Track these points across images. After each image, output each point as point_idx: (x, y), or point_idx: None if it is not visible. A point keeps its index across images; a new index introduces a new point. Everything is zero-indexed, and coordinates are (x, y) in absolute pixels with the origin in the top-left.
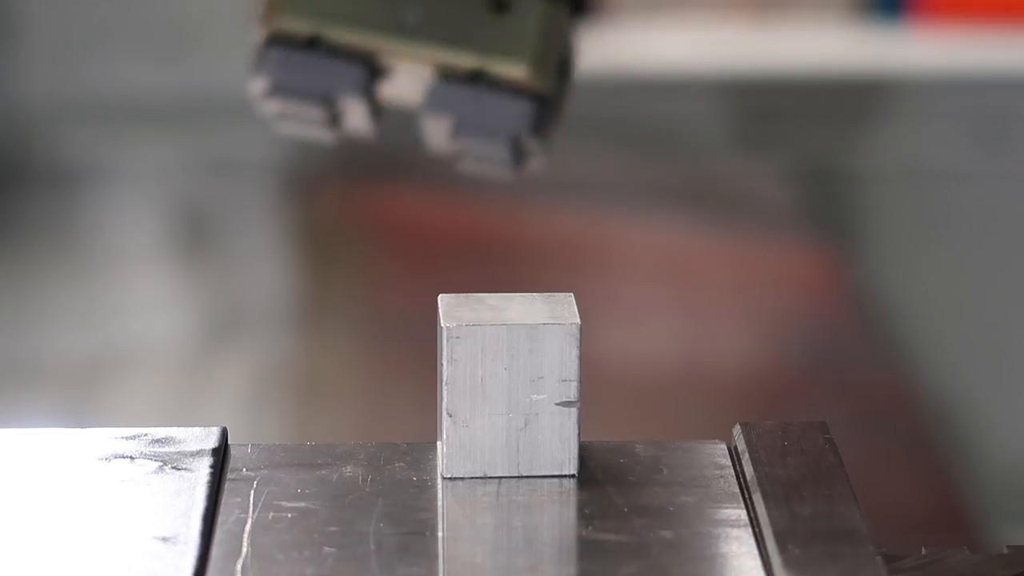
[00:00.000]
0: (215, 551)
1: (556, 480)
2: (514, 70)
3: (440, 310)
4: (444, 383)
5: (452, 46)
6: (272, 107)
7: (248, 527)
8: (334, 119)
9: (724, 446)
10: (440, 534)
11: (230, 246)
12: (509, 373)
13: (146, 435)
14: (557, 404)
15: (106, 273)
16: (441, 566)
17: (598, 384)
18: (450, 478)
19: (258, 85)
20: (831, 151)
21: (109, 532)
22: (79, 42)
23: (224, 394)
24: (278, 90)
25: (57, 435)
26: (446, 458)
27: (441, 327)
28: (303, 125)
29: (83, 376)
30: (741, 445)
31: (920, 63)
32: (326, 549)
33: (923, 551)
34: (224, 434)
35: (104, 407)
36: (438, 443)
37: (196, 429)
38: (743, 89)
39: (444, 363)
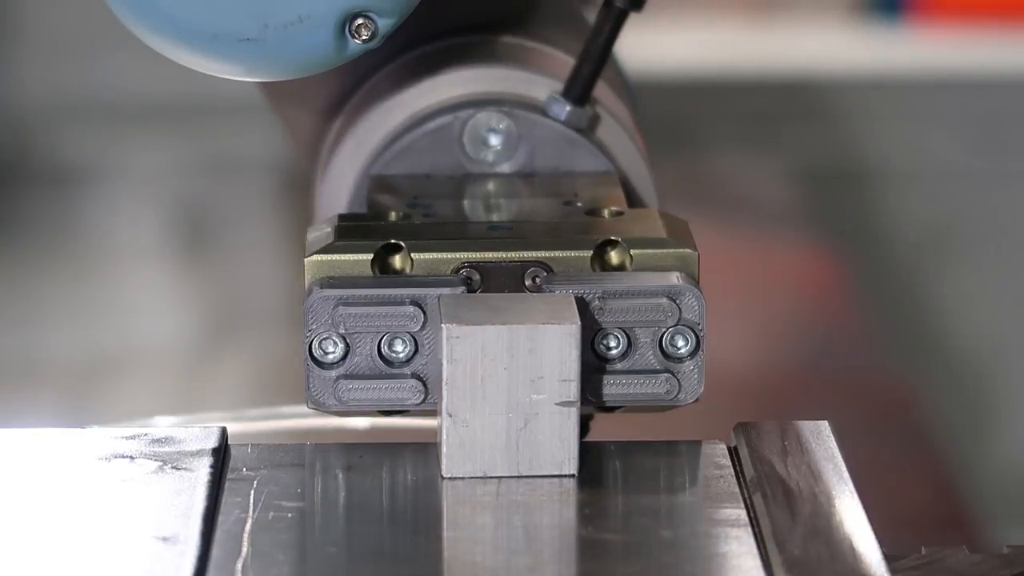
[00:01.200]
0: (215, 551)
1: (556, 480)
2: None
3: (441, 309)
4: (444, 383)
5: None
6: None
7: (248, 527)
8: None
9: (724, 446)
10: (440, 534)
11: (230, 246)
12: (509, 373)
13: (146, 435)
14: (557, 404)
15: (106, 273)
16: (441, 566)
17: None
18: (450, 478)
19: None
20: (831, 151)
21: (109, 532)
22: (79, 42)
23: (224, 394)
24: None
25: (57, 435)
26: (446, 458)
27: (441, 328)
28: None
29: (83, 376)
30: (741, 445)
31: (920, 63)
32: (326, 549)
33: (923, 551)
34: (224, 434)
35: (104, 407)
36: (438, 443)
37: (196, 429)
38: (743, 89)
39: (444, 363)
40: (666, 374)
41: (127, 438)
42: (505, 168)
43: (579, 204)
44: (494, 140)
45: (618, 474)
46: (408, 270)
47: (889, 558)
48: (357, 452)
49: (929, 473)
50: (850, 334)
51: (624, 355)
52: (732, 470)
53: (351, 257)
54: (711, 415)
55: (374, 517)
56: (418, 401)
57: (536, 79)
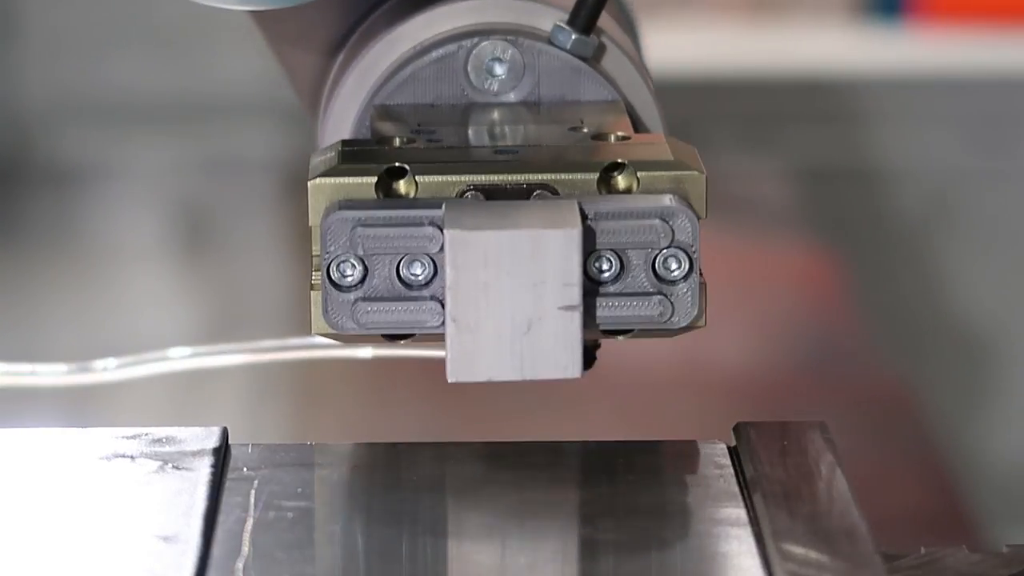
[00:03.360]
0: (216, 551)
1: (557, 479)
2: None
3: (444, 216)
4: (448, 289)
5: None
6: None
7: (249, 527)
8: None
9: (724, 446)
10: (440, 534)
11: (230, 246)
12: (511, 278)
13: (147, 435)
14: (560, 308)
15: (106, 273)
16: (441, 566)
17: (598, 384)
18: (455, 383)
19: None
20: (831, 151)
21: (109, 532)
22: (79, 42)
23: (224, 394)
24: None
25: (57, 435)
26: (451, 363)
27: (444, 234)
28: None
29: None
30: (741, 445)
31: (920, 63)
32: (327, 549)
33: (922, 551)
34: (225, 434)
35: (104, 407)
36: (444, 351)
37: (197, 429)
38: (743, 89)
39: (448, 269)
40: (659, 296)
41: (127, 438)
42: (510, 98)
43: (585, 130)
44: (499, 69)
45: (618, 474)
46: (412, 194)
47: (889, 558)
48: (357, 452)
49: (929, 473)
50: (850, 334)
51: (617, 278)
52: (732, 470)
53: (355, 180)
54: (711, 415)
55: (375, 516)
56: (437, 324)
57: (540, 9)
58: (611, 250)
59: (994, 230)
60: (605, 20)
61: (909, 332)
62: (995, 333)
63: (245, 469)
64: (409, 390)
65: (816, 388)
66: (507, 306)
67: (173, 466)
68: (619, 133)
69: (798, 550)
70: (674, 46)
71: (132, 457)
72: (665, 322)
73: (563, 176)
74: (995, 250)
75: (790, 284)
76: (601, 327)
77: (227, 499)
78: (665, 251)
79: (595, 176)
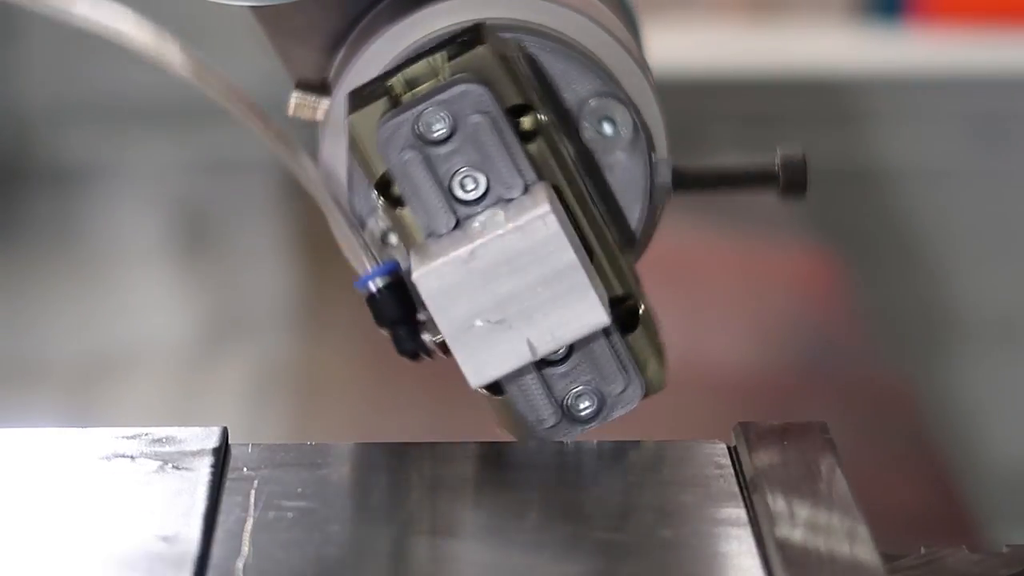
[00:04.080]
0: (215, 550)
1: (557, 479)
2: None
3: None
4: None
5: None
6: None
7: (249, 526)
8: None
9: (724, 446)
10: (440, 533)
11: (230, 246)
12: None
13: (147, 435)
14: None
15: (106, 273)
16: (441, 566)
17: None
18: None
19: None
20: (831, 151)
21: (109, 532)
22: (79, 42)
23: (224, 394)
24: None
25: (57, 435)
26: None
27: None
28: None
29: (84, 376)
30: (741, 445)
31: (920, 63)
32: (326, 549)
33: (923, 551)
34: (224, 434)
35: (105, 406)
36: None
37: (197, 429)
38: (743, 89)
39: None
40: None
41: (127, 438)
42: None
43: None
44: None
45: (618, 474)
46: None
47: (889, 558)
48: (357, 452)
49: (929, 473)
50: (850, 334)
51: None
52: (732, 470)
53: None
54: (711, 415)
55: (375, 516)
56: None
57: (541, 5)
58: (462, 170)
59: (994, 230)
60: (607, 16)
61: (909, 332)
62: (995, 333)
63: (245, 469)
64: (410, 390)
65: (816, 388)
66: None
67: (173, 466)
68: None
69: (798, 550)
70: (674, 46)
71: (132, 457)
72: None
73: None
74: (995, 250)
75: (790, 284)
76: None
77: (227, 499)
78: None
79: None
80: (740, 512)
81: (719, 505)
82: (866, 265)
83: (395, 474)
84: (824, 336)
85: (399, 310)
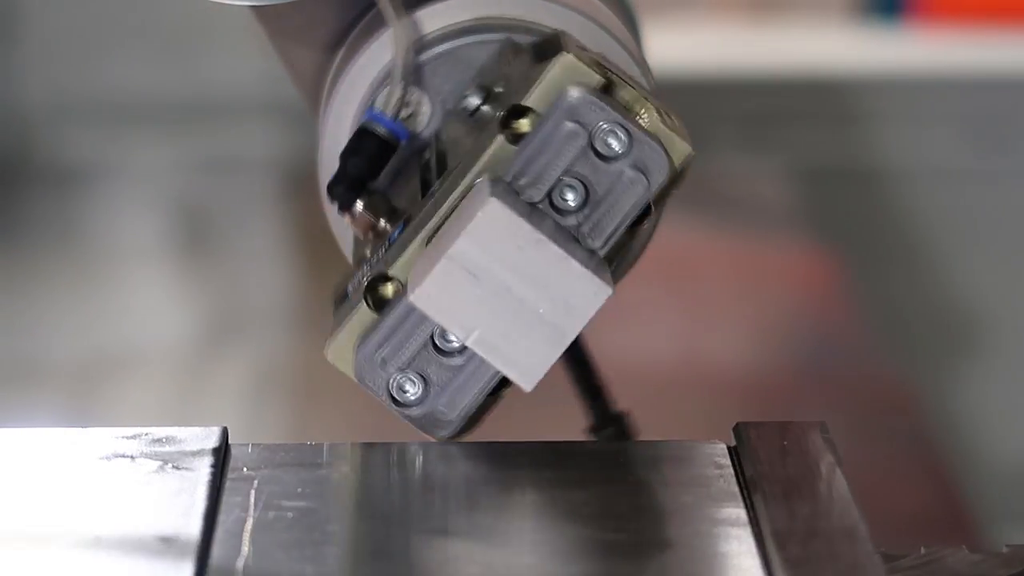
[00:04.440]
0: (215, 550)
1: (557, 479)
2: None
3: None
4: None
5: None
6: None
7: (249, 526)
8: None
9: (724, 446)
10: (440, 533)
11: (230, 246)
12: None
13: (147, 435)
14: (540, 259)
15: (106, 273)
16: (441, 566)
17: None
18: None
19: None
20: (831, 151)
21: (109, 532)
22: (79, 42)
23: (224, 394)
24: None
25: (57, 435)
26: (515, 377)
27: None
28: None
29: (84, 376)
30: (741, 445)
31: (920, 63)
32: (326, 549)
33: (922, 551)
34: (224, 433)
35: (105, 406)
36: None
37: (197, 429)
38: (743, 89)
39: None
40: (629, 172)
41: (127, 438)
42: None
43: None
44: None
45: (618, 474)
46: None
47: (889, 558)
48: (357, 452)
49: (929, 473)
50: (850, 334)
51: (584, 200)
52: (732, 470)
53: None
54: (711, 415)
55: (375, 516)
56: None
57: (538, 4)
58: (561, 180)
59: (994, 230)
60: (606, 15)
61: (909, 332)
62: (995, 333)
63: (245, 469)
64: None
65: (816, 388)
66: (503, 302)
67: (173, 466)
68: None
69: (798, 550)
70: (674, 46)
71: (132, 457)
72: (651, 188)
73: (477, 164)
74: (995, 250)
75: (790, 284)
76: (609, 242)
77: (227, 499)
78: (597, 139)
79: (501, 136)
80: (740, 512)
81: (719, 505)
82: (866, 265)
83: (395, 474)
84: (824, 336)
85: (366, 166)
